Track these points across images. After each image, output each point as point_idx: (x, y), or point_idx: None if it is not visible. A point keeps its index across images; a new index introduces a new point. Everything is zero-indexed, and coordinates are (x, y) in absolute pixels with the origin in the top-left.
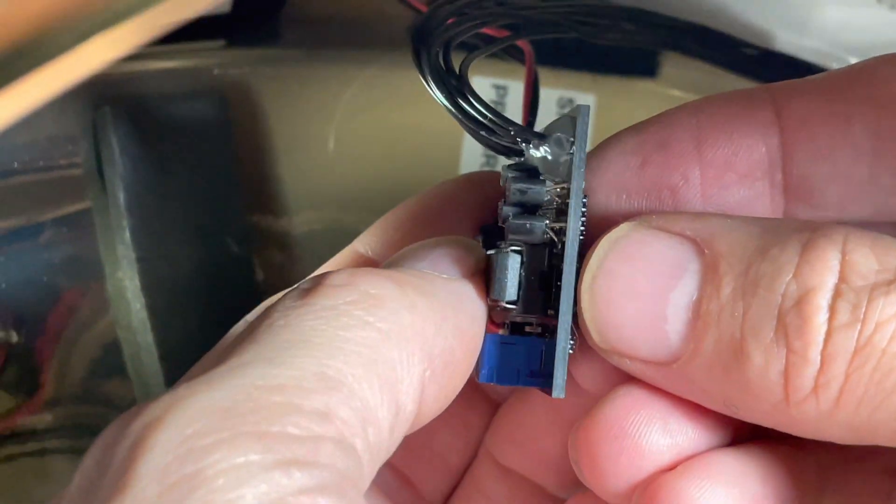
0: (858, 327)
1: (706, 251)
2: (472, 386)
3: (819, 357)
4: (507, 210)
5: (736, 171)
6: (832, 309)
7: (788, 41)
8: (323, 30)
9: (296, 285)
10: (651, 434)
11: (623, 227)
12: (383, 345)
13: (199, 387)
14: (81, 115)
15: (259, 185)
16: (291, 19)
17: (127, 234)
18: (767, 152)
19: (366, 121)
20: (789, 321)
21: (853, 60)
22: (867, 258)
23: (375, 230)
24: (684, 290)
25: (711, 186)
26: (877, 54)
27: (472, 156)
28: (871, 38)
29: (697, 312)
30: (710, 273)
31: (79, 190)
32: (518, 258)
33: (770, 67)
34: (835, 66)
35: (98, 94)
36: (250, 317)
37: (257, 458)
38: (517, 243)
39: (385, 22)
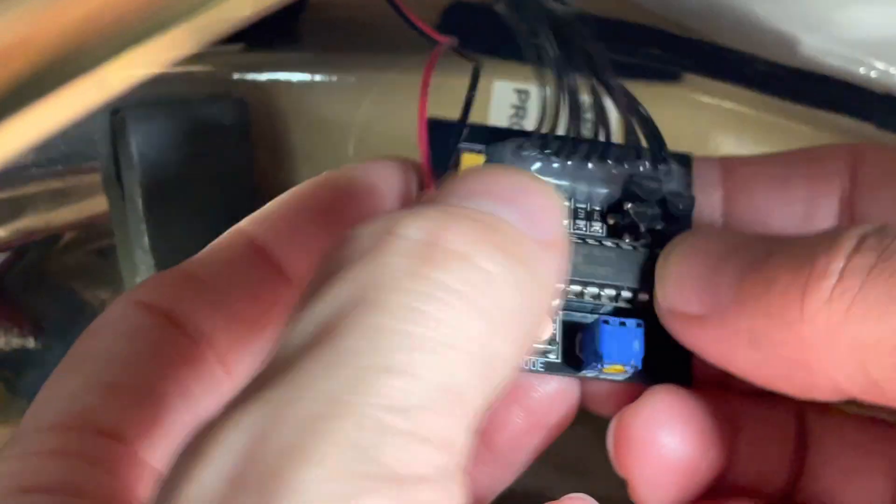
0: (882, 248)
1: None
2: None
3: (839, 271)
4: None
5: None
6: (861, 238)
7: (814, 47)
8: (343, 34)
9: (393, 220)
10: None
11: (706, 225)
12: (493, 339)
13: (330, 408)
14: (99, 119)
15: (278, 190)
16: (311, 23)
17: (146, 240)
18: (711, 206)
19: (386, 126)
20: (822, 249)
21: (880, 65)
22: None
23: (261, 216)
24: (744, 255)
25: None
26: None
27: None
28: None
29: (750, 265)
30: (769, 239)
31: (97, 195)
32: None
33: (790, 84)
34: (861, 71)
35: (117, 98)
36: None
37: None
38: None
39: (405, 26)
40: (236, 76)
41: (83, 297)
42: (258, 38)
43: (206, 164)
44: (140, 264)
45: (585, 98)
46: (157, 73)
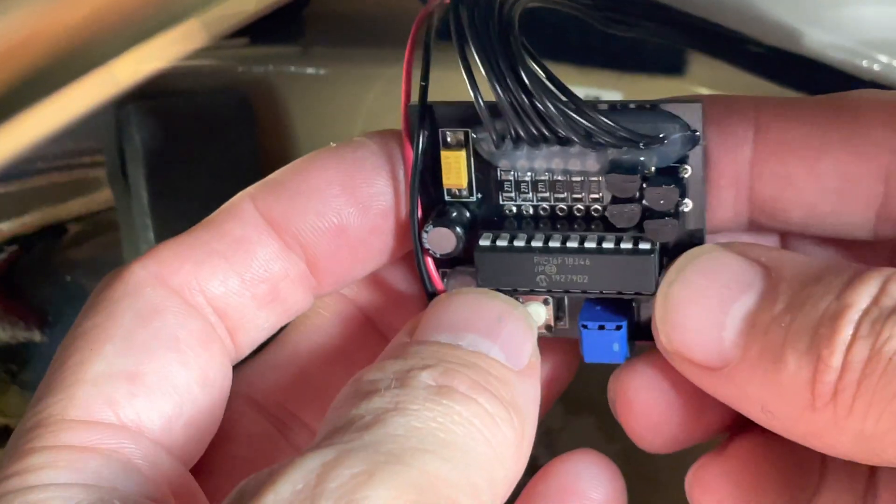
0: (874, 339)
1: (773, 275)
2: None
3: (840, 364)
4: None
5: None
6: (858, 323)
7: (817, 39)
8: (347, 27)
9: (408, 368)
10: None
11: (707, 247)
12: (496, 465)
13: (389, 457)
14: (105, 113)
15: None
16: (315, 17)
17: (150, 233)
18: (737, 166)
19: (390, 119)
20: (822, 332)
21: (883, 59)
22: None
23: (273, 190)
24: (745, 303)
25: None
26: None
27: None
28: None
29: (752, 322)
30: (770, 291)
31: (102, 189)
32: None
33: (793, 69)
34: (864, 64)
35: (122, 92)
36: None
37: None
38: None
39: (409, 19)
40: (241, 70)
41: (89, 289)
42: (263, 32)
43: (210, 157)
44: None
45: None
46: (162, 68)
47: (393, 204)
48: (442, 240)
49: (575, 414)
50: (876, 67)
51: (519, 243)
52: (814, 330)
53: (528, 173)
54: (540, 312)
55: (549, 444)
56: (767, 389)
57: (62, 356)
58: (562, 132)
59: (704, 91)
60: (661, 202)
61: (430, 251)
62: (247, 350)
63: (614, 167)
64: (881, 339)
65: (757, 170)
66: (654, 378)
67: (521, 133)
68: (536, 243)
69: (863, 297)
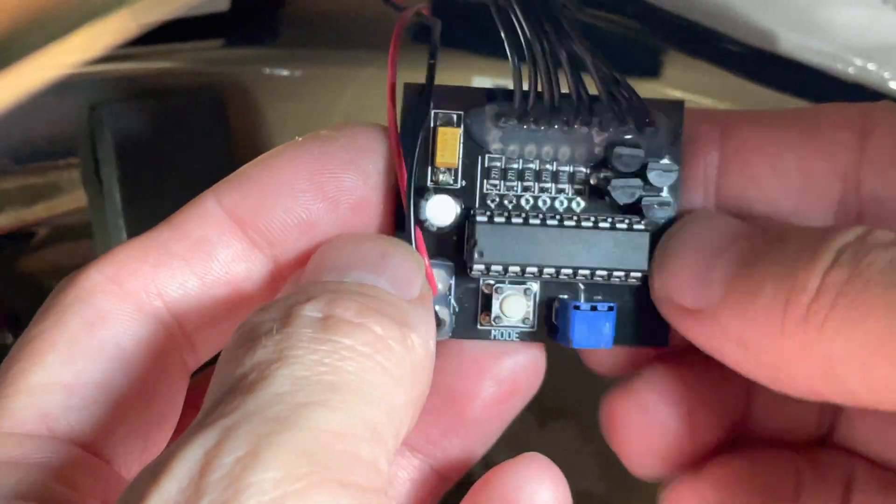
0: (855, 265)
1: (765, 227)
2: None
3: (816, 287)
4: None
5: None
6: (840, 251)
7: (793, 42)
8: (322, 29)
9: (291, 304)
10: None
11: (704, 210)
12: (396, 391)
13: (275, 426)
14: (78, 114)
15: None
16: (290, 18)
17: (124, 235)
18: (705, 168)
19: (366, 120)
20: (802, 260)
21: (858, 62)
22: (886, 232)
23: (239, 186)
24: (735, 250)
25: None
26: (882, 55)
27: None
28: (875, 39)
29: (739, 263)
30: (759, 236)
31: (76, 190)
32: None
33: (770, 69)
34: (839, 67)
35: (95, 93)
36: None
37: None
38: None
39: (385, 21)
40: (215, 71)
41: None
42: (237, 33)
43: (184, 159)
44: None
45: (561, 69)
46: (136, 69)
47: (363, 199)
48: (442, 208)
49: (552, 419)
50: (851, 70)
51: (517, 220)
52: (794, 258)
53: (519, 160)
54: (521, 305)
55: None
56: (745, 321)
57: (7, 364)
58: (581, 97)
59: (679, 94)
60: (661, 179)
61: (427, 223)
62: (209, 354)
63: (614, 147)
64: (863, 264)
65: (723, 171)
66: (648, 399)
67: (545, 94)
68: (534, 221)
69: (848, 234)
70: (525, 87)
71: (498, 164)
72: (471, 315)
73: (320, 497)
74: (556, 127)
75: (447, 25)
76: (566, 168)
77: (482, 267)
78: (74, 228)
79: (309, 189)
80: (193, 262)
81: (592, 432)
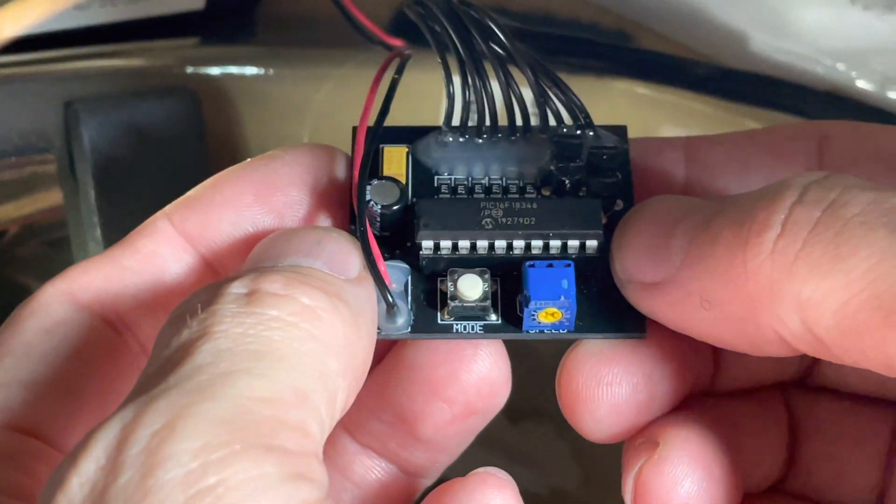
0: (827, 203)
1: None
2: None
3: (780, 223)
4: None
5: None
6: (806, 188)
7: (765, 43)
8: (297, 28)
9: (218, 285)
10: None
11: (659, 195)
12: (327, 358)
13: (195, 396)
14: (53, 112)
15: None
16: (265, 17)
17: (98, 232)
18: (671, 189)
19: (340, 120)
20: (763, 203)
21: (827, 62)
22: (850, 176)
23: (188, 204)
24: (694, 218)
25: None
26: (851, 56)
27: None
28: (844, 40)
29: (698, 226)
30: (716, 203)
31: (51, 187)
32: None
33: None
34: (809, 67)
35: (70, 91)
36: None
37: (272, 471)
38: None
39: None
40: (190, 70)
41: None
42: (212, 32)
43: (158, 156)
44: (93, 255)
45: (495, 83)
46: (111, 66)
47: (308, 215)
48: (385, 190)
49: (525, 418)
50: (820, 70)
51: (462, 195)
52: (753, 203)
53: (468, 178)
54: (477, 284)
55: (493, 448)
56: (706, 273)
57: None
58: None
59: (644, 91)
60: (605, 157)
61: (372, 204)
62: None
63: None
64: (839, 202)
65: (690, 189)
66: (604, 360)
67: (478, 101)
68: (479, 194)
69: (811, 174)
70: (459, 98)
71: (447, 182)
72: (431, 312)
73: (244, 464)
74: (499, 137)
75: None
76: (515, 181)
77: (430, 244)
78: (48, 225)
79: (254, 204)
80: (145, 275)
81: (566, 429)
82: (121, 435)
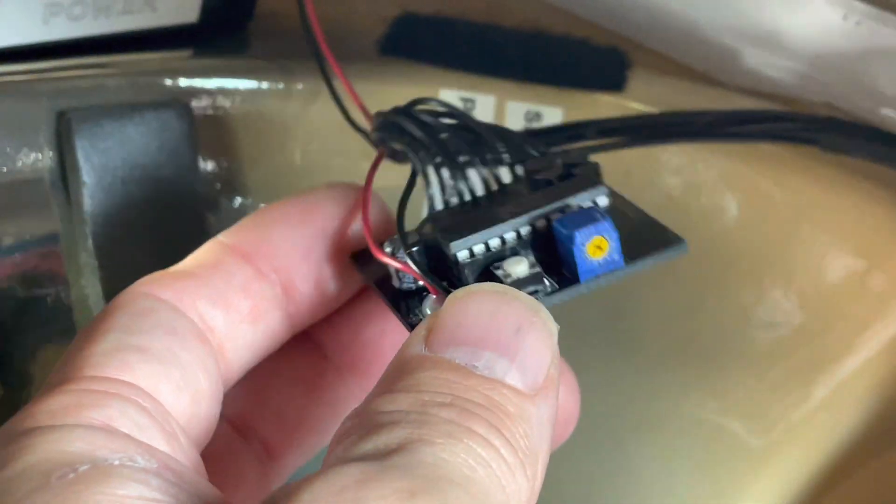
0: None
1: None
2: None
3: None
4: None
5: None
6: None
7: (757, 57)
8: (290, 42)
9: (417, 397)
10: None
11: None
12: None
13: (429, 490)
14: (46, 122)
15: (224, 195)
16: (259, 30)
17: (90, 242)
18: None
19: (332, 133)
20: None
21: (818, 77)
22: None
23: (238, 228)
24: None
25: None
26: (840, 70)
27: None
28: (836, 55)
29: None
30: None
31: (42, 198)
32: None
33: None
34: (800, 82)
35: (63, 102)
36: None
37: None
38: None
39: (353, 35)
40: (184, 82)
41: (25, 297)
42: (206, 44)
43: (151, 168)
44: (84, 265)
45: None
46: (104, 76)
47: (353, 228)
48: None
49: None
50: (812, 85)
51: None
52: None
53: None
54: (520, 259)
55: None
56: None
57: (63, 356)
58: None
59: (643, 108)
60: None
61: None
62: (235, 368)
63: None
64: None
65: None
66: None
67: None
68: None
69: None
70: (436, 185)
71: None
72: None
73: None
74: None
75: (413, 39)
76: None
77: (465, 253)
78: (40, 235)
79: (300, 224)
80: (214, 282)
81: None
82: (361, 476)
